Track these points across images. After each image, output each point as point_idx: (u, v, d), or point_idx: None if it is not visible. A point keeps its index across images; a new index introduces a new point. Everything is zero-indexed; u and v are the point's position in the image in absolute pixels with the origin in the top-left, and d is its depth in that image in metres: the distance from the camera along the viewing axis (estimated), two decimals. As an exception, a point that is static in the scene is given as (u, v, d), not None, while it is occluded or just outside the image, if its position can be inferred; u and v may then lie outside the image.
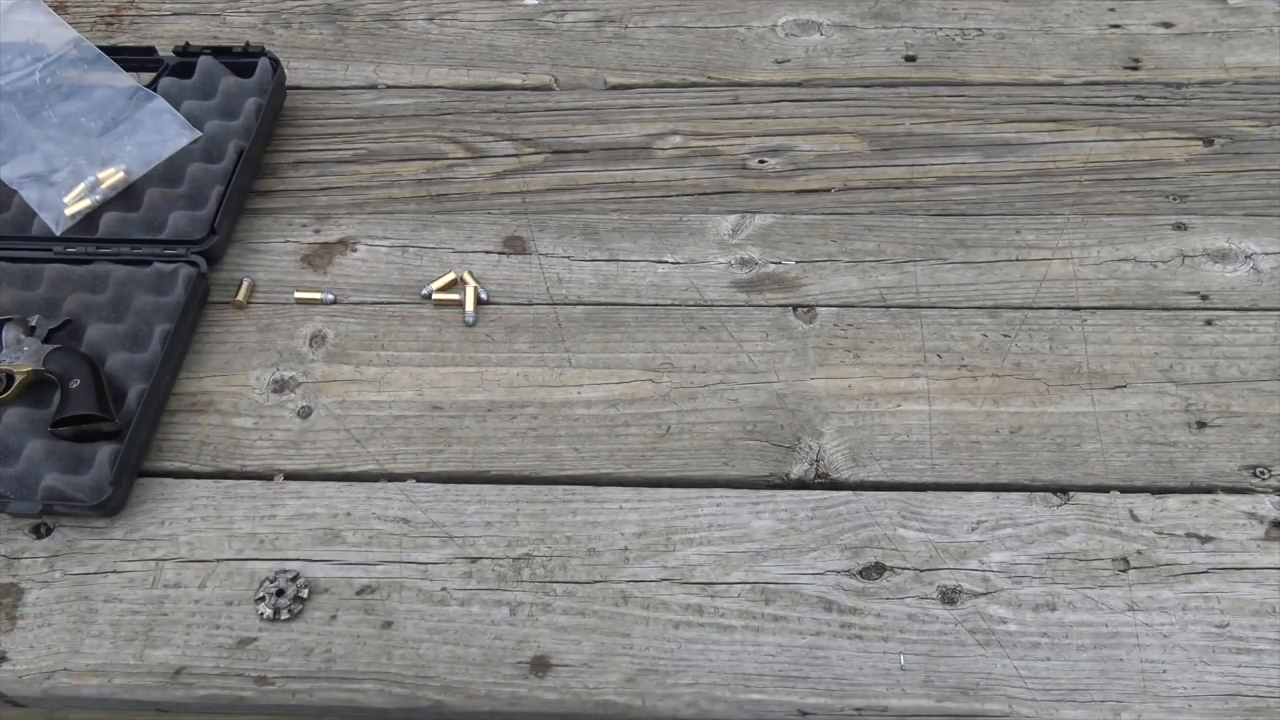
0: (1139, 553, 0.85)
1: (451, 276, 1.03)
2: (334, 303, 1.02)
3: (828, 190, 1.10)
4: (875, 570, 0.85)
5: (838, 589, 0.84)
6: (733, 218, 1.08)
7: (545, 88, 1.22)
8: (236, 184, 1.07)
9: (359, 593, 0.85)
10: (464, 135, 1.17)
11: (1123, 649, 0.81)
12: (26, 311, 0.99)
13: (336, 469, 0.92)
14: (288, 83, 1.20)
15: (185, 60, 1.17)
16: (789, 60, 1.23)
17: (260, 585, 0.85)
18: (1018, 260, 1.04)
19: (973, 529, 0.87)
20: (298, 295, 1.03)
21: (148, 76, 1.16)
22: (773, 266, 1.04)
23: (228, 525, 0.88)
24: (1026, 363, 0.96)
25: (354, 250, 1.07)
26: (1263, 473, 0.89)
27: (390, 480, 0.91)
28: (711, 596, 0.84)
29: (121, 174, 1.07)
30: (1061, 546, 0.86)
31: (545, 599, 0.84)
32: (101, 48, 1.16)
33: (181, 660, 0.82)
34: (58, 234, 1.04)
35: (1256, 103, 1.16)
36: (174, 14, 1.31)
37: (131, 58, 1.17)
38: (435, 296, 1.02)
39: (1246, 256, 1.03)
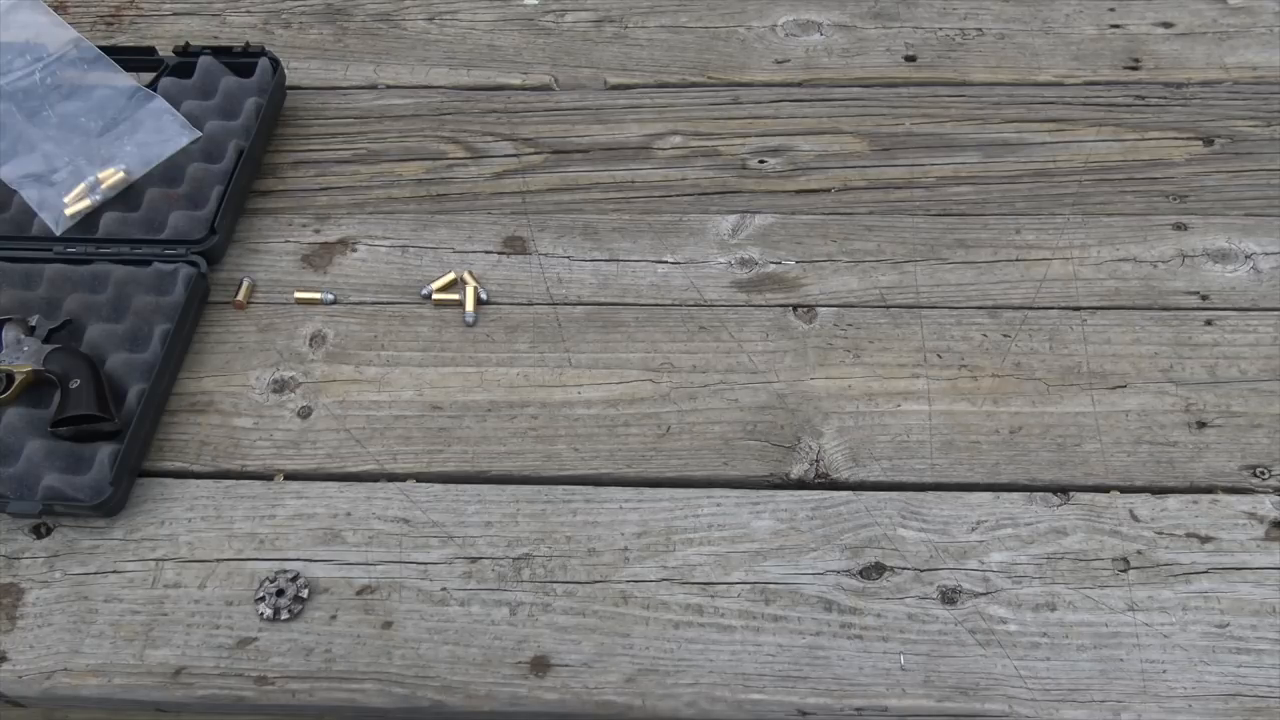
0: (1139, 553, 0.85)
1: (451, 276, 1.03)
2: (334, 303, 1.02)
3: (828, 190, 1.10)
4: (875, 570, 0.85)
5: (838, 589, 0.84)
6: (733, 218, 1.08)
7: (545, 88, 1.22)
8: (236, 184, 1.07)
9: (359, 593, 0.85)
10: (464, 135, 1.17)
11: (1123, 649, 0.81)
12: (26, 311, 0.99)
13: (336, 469, 0.92)
14: (288, 83, 1.20)
15: (185, 60, 1.17)
16: (789, 60, 1.23)
17: (260, 585, 0.85)
18: (1018, 260, 1.04)
19: (973, 529, 0.87)
20: (298, 295, 1.03)
21: (148, 76, 1.16)
22: (773, 266, 1.04)
23: (228, 525, 0.88)
24: (1026, 363, 0.96)
25: (354, 250, 1.07)
26: (1263, 473, 0.89)
27: (390, 480, 0.91)
28: (711, 596, 0.84)
29: (121, 174, 1.07)
30: (1061, 546, 0.86)
31: (545, 599, 0.84)
32: (101, 48, 1.16)
33: (181, 660, 0.82)
34: (58, 234, 1.04)
35: (1256, 103, 1.16)
36: (174, 14, 1.31)
37: (131, 58, 1.17)
38: (435, 296, 1.02)
39: (1246, 256, 1.03)
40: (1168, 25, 1.25)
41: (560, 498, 0.89)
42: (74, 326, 0.98)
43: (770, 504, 0.89)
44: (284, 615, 0.83)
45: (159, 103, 1.12)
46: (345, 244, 1.07)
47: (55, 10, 1.21)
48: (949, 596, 0.83)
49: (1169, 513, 0.87)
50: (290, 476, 0.91)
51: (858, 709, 0.79)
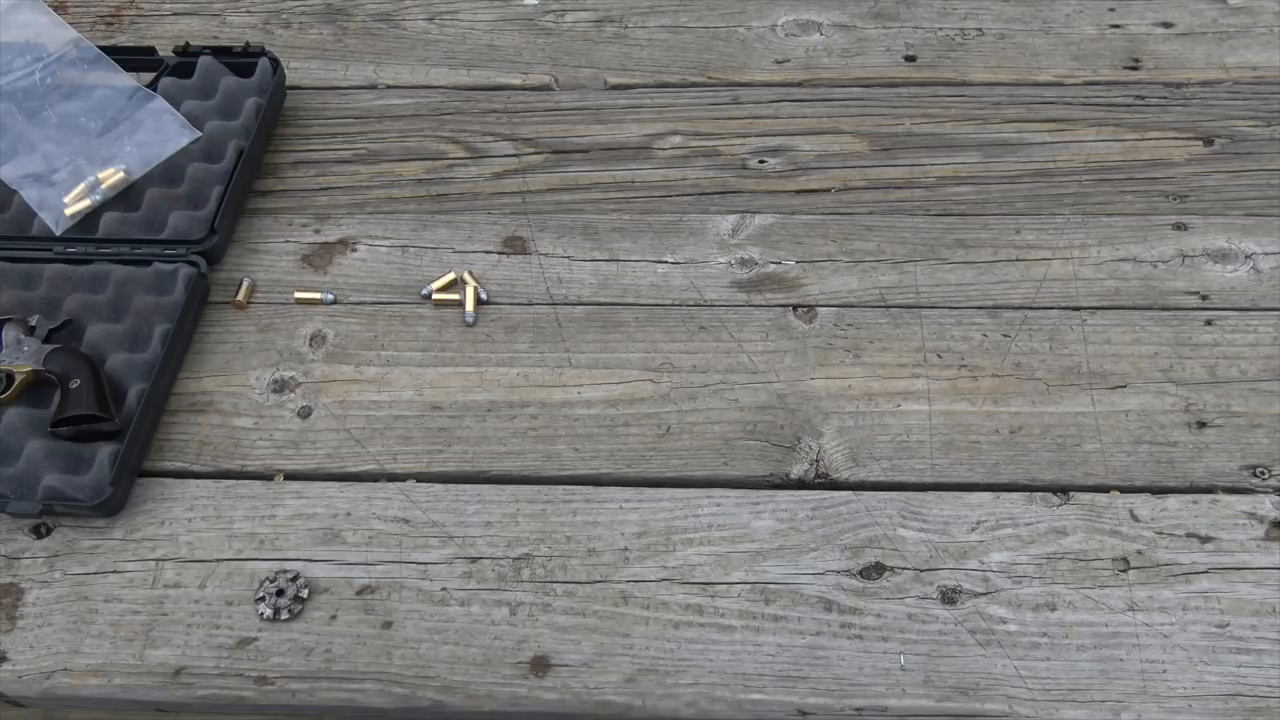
0: (1139, 553, 0.85)
1: (451, 276, 1.03)
2: (334, 303, 1.02)
3: (828, 190, 1.10)
4: (875, 570, 0.85)
5: (838, 589, 0.84)
6: (733, 218, 1.08)
7: (545, 88, 1.22)
8: (236, 184, 1.07)
9: (359, 593, 0.85)
10: (464, 135, 1.17)
11: (1123, 649, 0.81)
12: (26, 311, 0.99)
13: (336, 469, 0.92)
14: (288, 83, 1.20)
15: (185, 60, 1.17)
16: (789, 60, 1.23)
17: (260, 585, 0.85)
18: (1018, 260, 1.04)
19: (973, 529, 0.87)
20: (298, 295, 1.03)
21: (148, 76, 1.16)
22: (773, 266, 1.04)
23: (228, 525, 0.88)
24: (1026, 363, 0.96)
25: (354, 250, 1.07)
26: (1263, 473, 0.89)
27: (390, 480, 0.91)
28: (711, 596, 0.84)
29: (121, 174, 1.07)
30: (1061, 546, 0.86)
31: (545, 599, 0.84)
32: (101, 48, 1.16)
33: (181, 660, 0.82)
34: (58, 234, 1.04)
35: (1256, 103, 1.16)
36: (174, 14, 1.31)
37: (131, 58, 1.17)
38: (435, 296, 1.02)
39: (1246, 256, 1.03)
40: (1168, 25, 1.25)
41: (560, 498, 0.89)
42: (74, 326, 0.98)
43: (770, 504, 0.89)
44: (284, 615, 0.83)
45: (159, 103, 1.12)
46: (345, 244, 1.07)
47: (55, 10, 1.21)
48: (949, 596, 0.83)
49: (1169, 513, 0.87)
50: (290, 476, 0.91)
51: (858, 709, 0.79)
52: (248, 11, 1.31)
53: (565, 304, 1.02)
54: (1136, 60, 1.21)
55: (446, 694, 0.80)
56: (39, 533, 0.88)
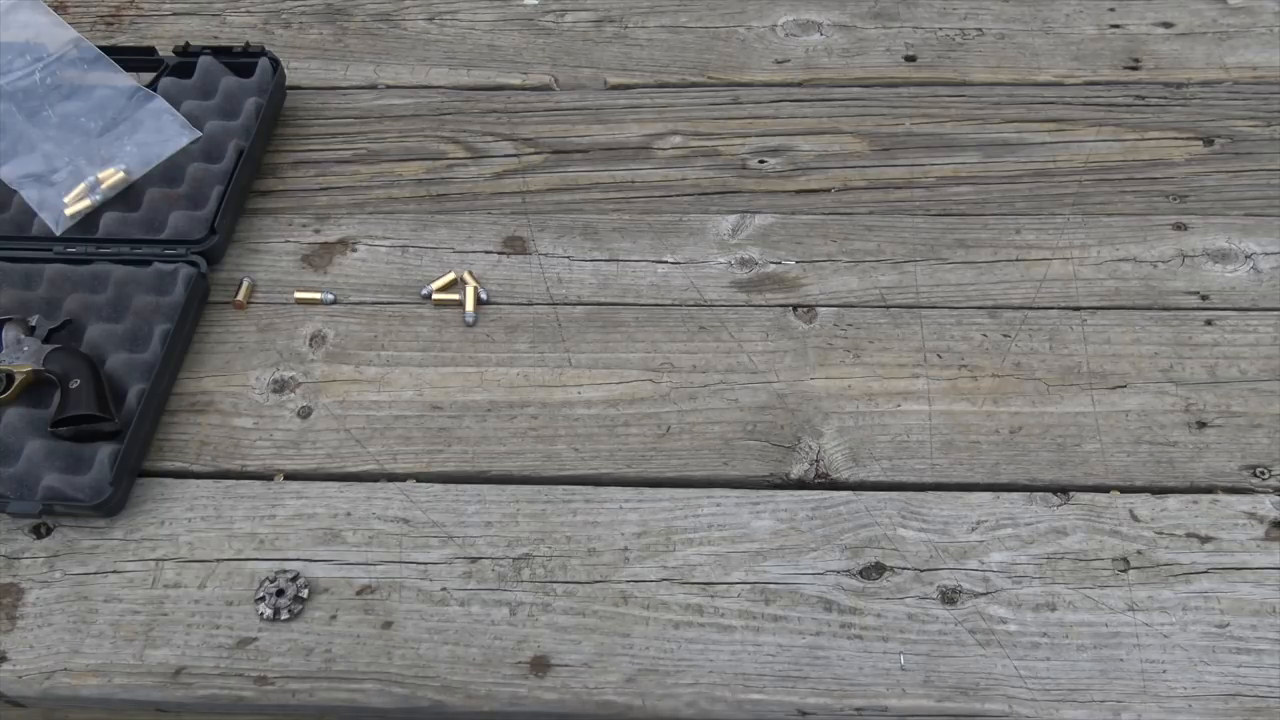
0: (1139, 553, 0.85)
1: (451, 276, 1.03)
2: (334, 303, 1.02)
3: (828, 190, 1.10)
4: (875, 570, 0.85)
5: (838, 589, 0.84)
6: (733, 218, 1.08)
7: (545, 88, 1.22)
8: (236, 184, 1.07)
9: (359, 593, 0.85)
10: (464, 135, 1.17)
11: (1123, 649, 0.81)
12: (26, 311, 0.99)
13: (336, 469, 0.92)
14: (288, 83, 1.20)
15: (185, 60, 1.17)
16: (789, 60, 1.23)
17: (260, 585, 0.85)
18: (1018, 260, 1.04)
19: (973, 529, 0.87)
20: (298, 295, 1.03)
21: (148, 76, 1.16)
22: (773, 266, 1.04)
23: (228, 525, 0.88)
24: (1026, 363, 0.96)
25: (354, 250, 1.07)
26: (1263, 473, 0.89)
27: (390, 480, 0.91)
28: (711, 596, 0.84)
29: (121, 174, 1.07)
30: (1061, 546, 0.86)
31: (545, 599, 0.84)
32: (101, 48, 1.16)
33: (181, 660, 0.82)
34: (58, 234, 1.04)
35: (1256, 103, 1.16)
36: (174, 14, 1.31)
37: (131, 58, 1.17)
38: (435, 296, 1.02)
39: (1246, 256, 1.03)
40: (1168, 25, 1.25)
41: (560, 498, 0.89)
42: (74, 326, 0.98)
43: (770, 504, 0.89)
44: (284, 615, 0.83)
45: (159, 103, 1.12)
46: (345, 244, 1.07)
47: (55, 10, 1.21)
48: (949, 596, 0.83)
49: (1169, 513, 0.87)
50: (290, 476, 0.91)
51: (858, 709, 0.79)
52: (248, 11, 1.31)
53: (565, 304, 1.02)
54: (1136, 60, 1.21)
55: (446, 694, 0.80)
56: (39, 533, 0.88)
